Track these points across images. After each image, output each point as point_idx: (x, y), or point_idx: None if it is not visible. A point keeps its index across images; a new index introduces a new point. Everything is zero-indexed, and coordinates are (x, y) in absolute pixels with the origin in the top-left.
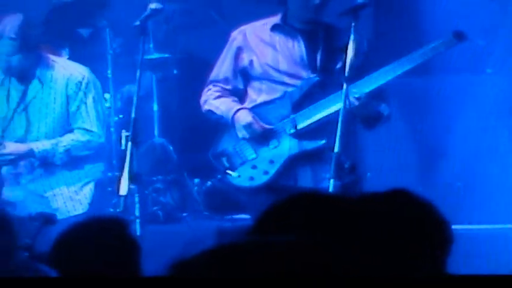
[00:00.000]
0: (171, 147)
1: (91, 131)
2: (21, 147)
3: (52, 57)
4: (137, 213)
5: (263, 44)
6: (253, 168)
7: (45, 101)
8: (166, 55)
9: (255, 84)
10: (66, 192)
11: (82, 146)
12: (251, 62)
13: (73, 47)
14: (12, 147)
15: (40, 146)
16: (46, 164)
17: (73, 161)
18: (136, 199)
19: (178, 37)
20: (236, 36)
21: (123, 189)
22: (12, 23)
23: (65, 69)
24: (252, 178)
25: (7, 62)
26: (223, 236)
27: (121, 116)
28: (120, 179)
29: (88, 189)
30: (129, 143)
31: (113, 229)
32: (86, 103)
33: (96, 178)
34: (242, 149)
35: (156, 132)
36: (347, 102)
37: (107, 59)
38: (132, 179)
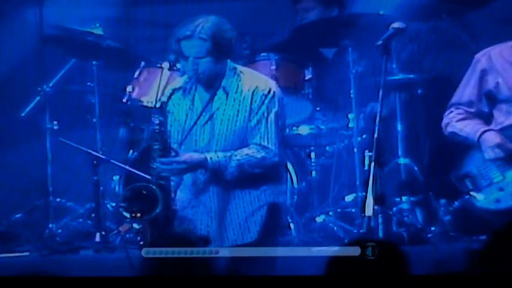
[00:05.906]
0: (416, 168)
1: (267, 148)
2: (195, 157)
3: (239, 67)
4: (381, 234)
5: (509, 66)
6: (499, 191)
7: (228, 113)
8: (410, 75)
9: (502, 106)
10: (236, 218)
11: (255, 162)
12: (497, 84)
13: (316, 66)
14: (186, 156)
15: (214, 157)
16: (217, 178)
17: (245, 179)
18: (380, 220)
19: (424, 57)
20: (480, 59)
21: (369, 210)
22: (204, 23)
23: (252, 81)
24: (498, 200)
25: (195, 65)
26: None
27: (364, 136)
28: (364, 200)
29: (259, 216)
30: (372, 163)
31: None
32: (266, 118)
33: (269, 202)
34: (487, 171)
35: (400, 152)
36: None
37: (349, 78)
38: (376, 199)
